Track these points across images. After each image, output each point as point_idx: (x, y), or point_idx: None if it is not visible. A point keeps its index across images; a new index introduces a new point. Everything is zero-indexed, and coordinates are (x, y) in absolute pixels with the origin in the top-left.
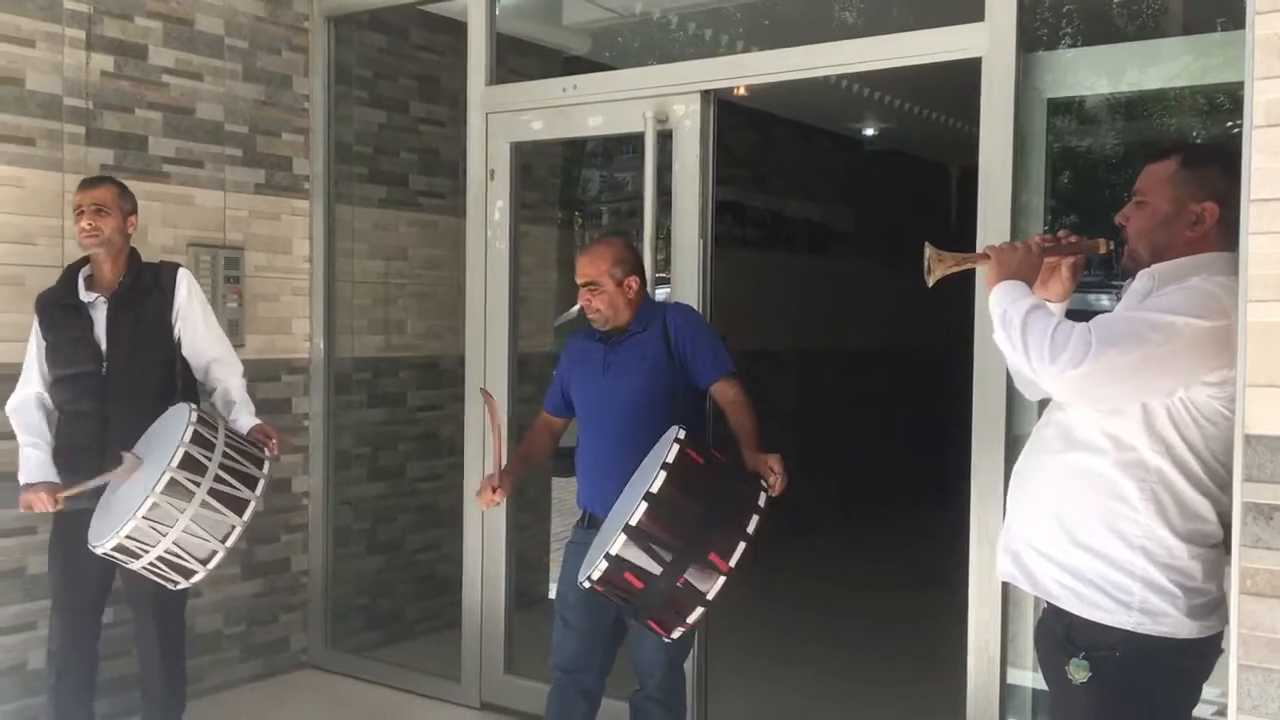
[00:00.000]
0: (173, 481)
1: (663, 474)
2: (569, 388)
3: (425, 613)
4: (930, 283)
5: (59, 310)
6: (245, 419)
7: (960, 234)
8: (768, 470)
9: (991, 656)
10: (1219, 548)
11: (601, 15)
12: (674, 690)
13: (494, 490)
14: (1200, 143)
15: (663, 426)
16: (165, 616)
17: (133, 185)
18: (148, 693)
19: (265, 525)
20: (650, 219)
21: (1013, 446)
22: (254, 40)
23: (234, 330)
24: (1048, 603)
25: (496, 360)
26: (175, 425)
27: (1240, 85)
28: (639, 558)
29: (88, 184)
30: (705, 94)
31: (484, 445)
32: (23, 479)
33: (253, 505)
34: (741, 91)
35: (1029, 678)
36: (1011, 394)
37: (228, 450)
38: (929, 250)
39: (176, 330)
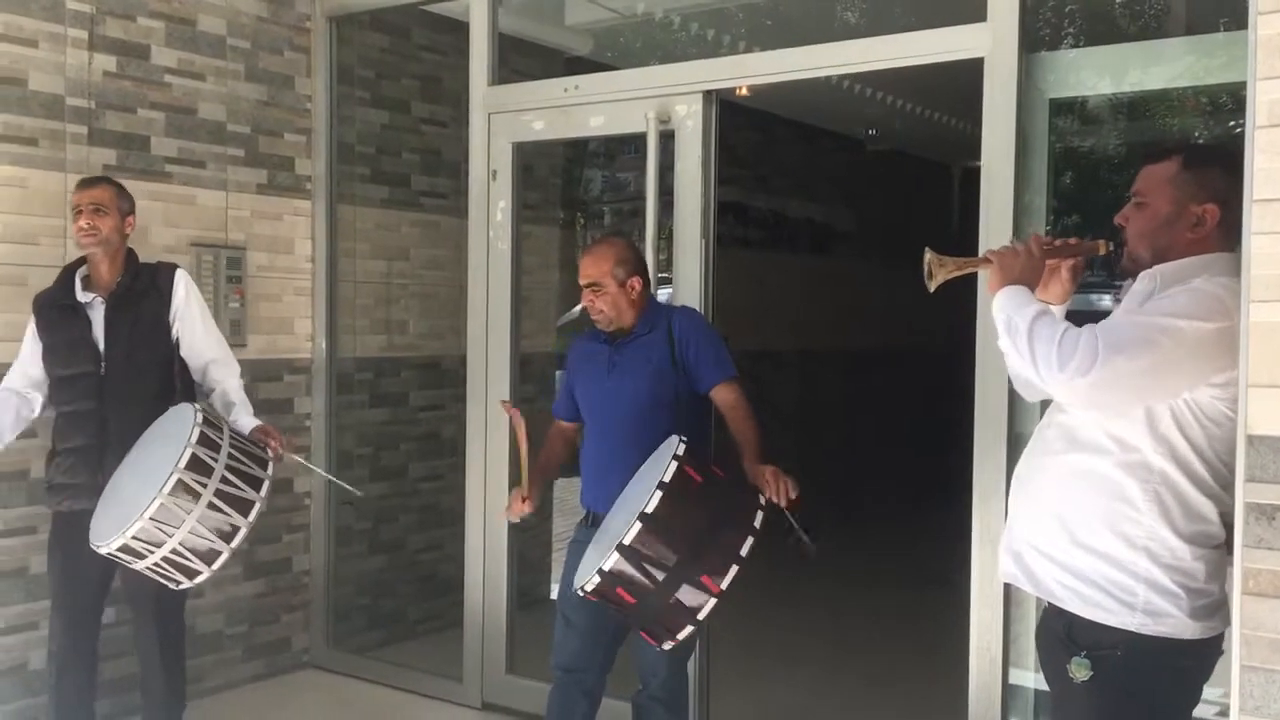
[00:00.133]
0: (180, 482)
1: (659, 494)
2: (576, 389)
3: (427, 613)
4: (931, 288)
5: (56, 311)
6: (245, 419)
7: (962, 234)
8: (763, 483)
9: (993, 656)
10: (1221, 548)
11: (603, 15)
12: (676, 690)
13: (523, 500)
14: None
15: (666, 428)
16: (165, 616)
17: (135, 185)
18: (148, 692)
19: (267, 525)
20: (652, 219)
21: (1014, 446)
22: (256, 40)
23: (236, 330)
24: (1049, 602)
25: (498, 360)
26: (179, 426)
27: (1243, 85)
28: (632, 575)
29: (86, 184)
30: (707, 94)
31: (485, 446)
32: None
33: (258, 506)
34: (743, 92)
35: (1031, 678)
36: (1013, 394)
37: (233, 451)
38: (929, 255)
39: (174, 331)
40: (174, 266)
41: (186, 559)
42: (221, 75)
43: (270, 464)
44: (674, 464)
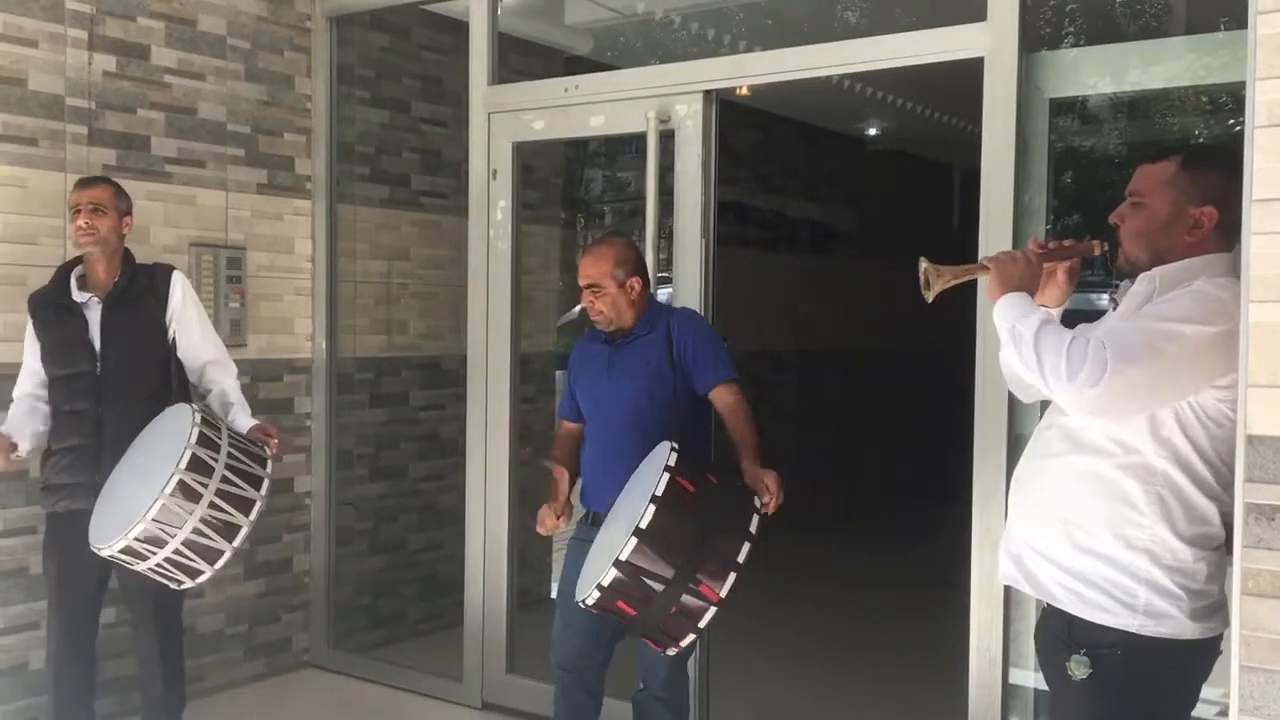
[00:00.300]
0: (181, 483)
1: (652, 508)
2: (576, 389)
3: (427, 612)
4: (929, 298)
5: (52, 311)
6: (243, 419)
7: (963, 233)
8: (764, 488)
9: (993, 656)
10: (1221, 549)
11: (603, 15)
12: (678, 689)
13: (559, 517)
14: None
15: (665, 428)
16: (163, 616)
17: (135, 185)
18: (147, 692)
19: (267, 525)
20: (652, 219)
21: (1014, 446)
22: (256, 40)
23: (236, 330)
24: (1046, 603)
25: (498, 360)
26: (177, 426)
27: (1243, 85)
28: (630, 588)
29: (84, 183)
30: (707, 94)
31: (485, 445)
32: None
33: (258, 505)
34: (744, 91)
35: (1031, 678)
36: (1013, 394)
37: (232, 451)
38: (925, 265)
39: (171, 332)
40: (170, 268)
41: (188, 559)
42: (221, 75)
43: (269, 462)
44: (666, 476)
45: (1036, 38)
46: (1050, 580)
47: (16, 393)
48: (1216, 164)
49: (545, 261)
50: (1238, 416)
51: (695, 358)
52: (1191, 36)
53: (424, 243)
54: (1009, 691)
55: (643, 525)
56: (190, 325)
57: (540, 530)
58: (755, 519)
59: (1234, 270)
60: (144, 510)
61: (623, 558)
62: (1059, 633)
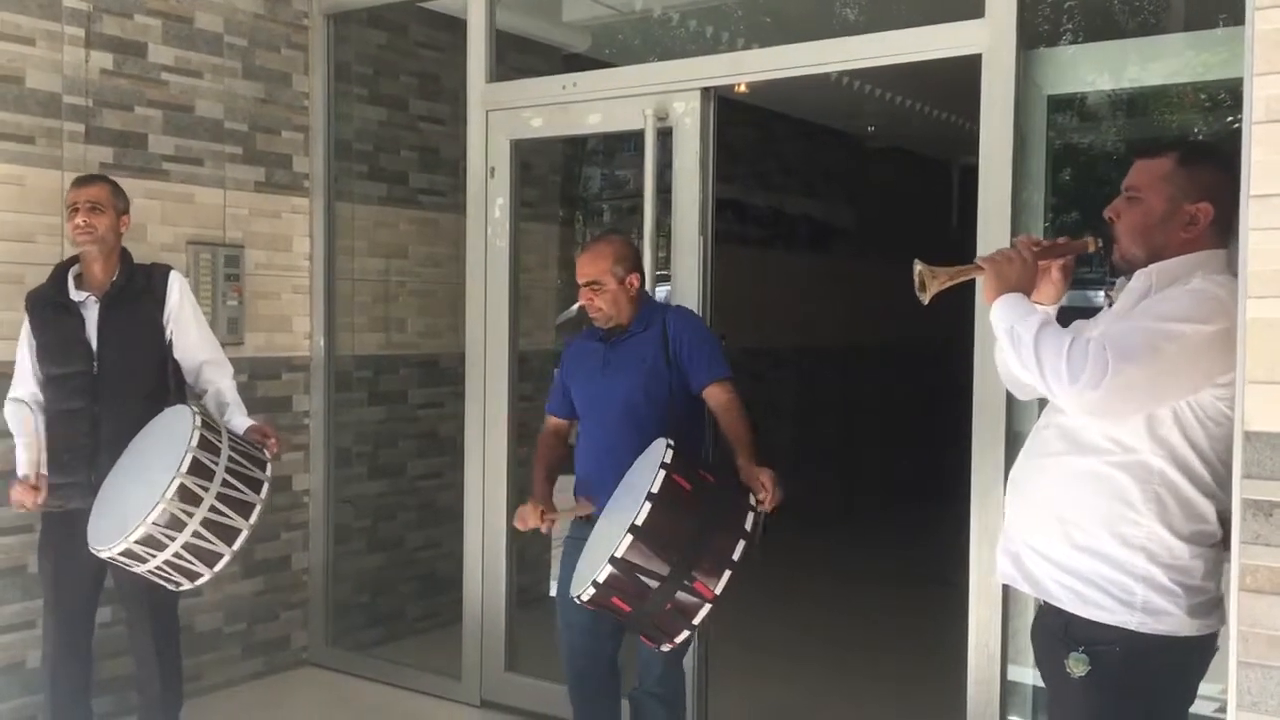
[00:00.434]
0: (182, 487)
1: (648, 505)
2: (571, 387)
3: (426, 610)
4: (925, 300)
5: (49, 310)
6: (239, 420)
7: (961, 231)
8: (759, 486)
9: (992, 654)
10: (1218, 546)
11: (601, 12)
12: (674, 686)
13: (542, 516)
14: (1195, 141)
15: (660, 426)
16: (159, 615)
17: (132, 183)
18: (144, 691)
19: (266, 523)
20: (650, 216)
21: (1012, 444)
22: (253, 38)
23: (234, 328)
24: (1044, 601)
25: (497, 358)
26: (177, 428)
27: (1242, 81)
28: (626, 584)
29: (82, 181)
30: (705, 91)
31: (484, 443)
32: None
33: (258, 509)
34: (742, 89)
35: (1029, 675)
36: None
37: (232, 454)
38: (920, 267)
39: (168, 332)
40: (168, 268)
41: (188, 561)
42: (219, 73)
43: (268, 465)
44: (662, 473)
45: (1035, 34)
46: (1048, 579)
47: (14, 395)
48: (1213, 160)
49: (543, 259)
50: (1235, 413)
51: (691, 356)
52: (1190, 33)
53: (422, 240)
54: (1007, 689)
55: (639, 522)
56: (187, 325)
57: (518, 525)
58: (751, 517)
59: (1231, 267)
60: (144, 514)
61: (618, 554)
62: (1056, 631)
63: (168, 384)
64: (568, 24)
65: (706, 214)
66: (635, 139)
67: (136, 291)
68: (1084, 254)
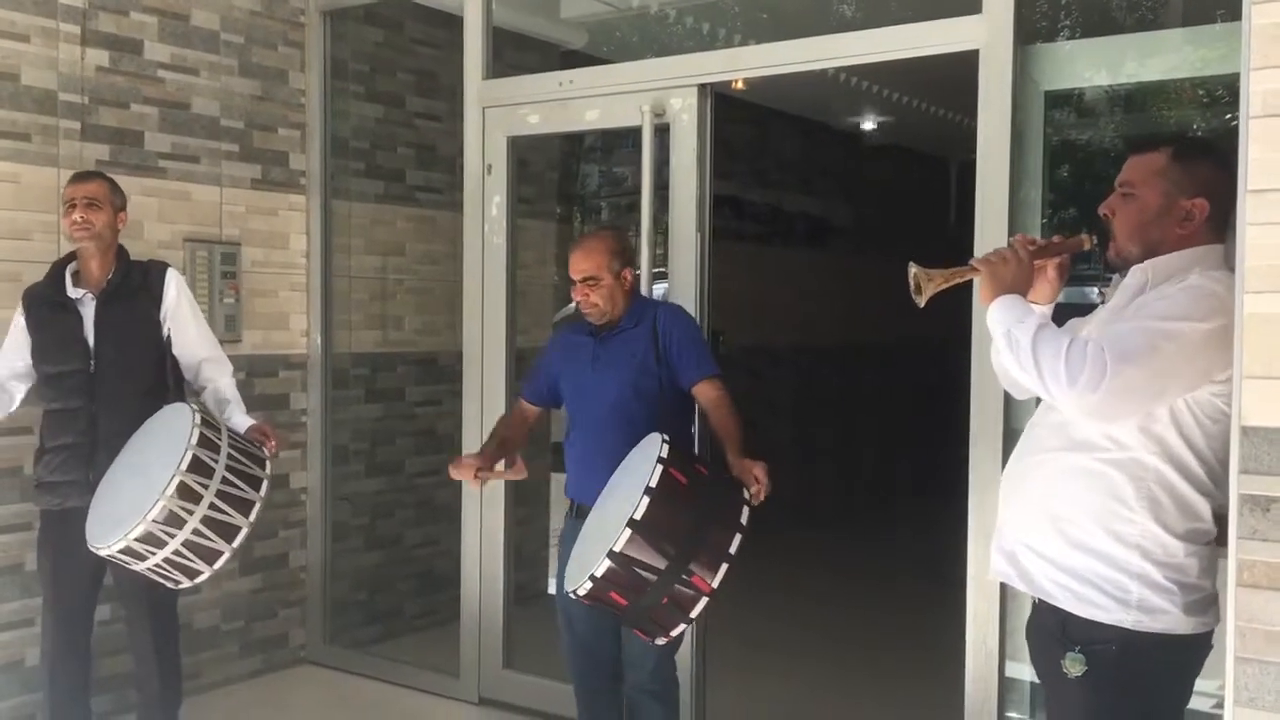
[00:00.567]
0: (181, 484)
1: (646, 499)
2: (558, 380)
3: (424, 608)
4: (921, 303)
5: (46, 308)
6: (239, 418)
7: (959, 227)
8: (751, 479)
9: (990, 650)
10: (1212, 544)
11: (599, 9)
12: (667, 681)
13: (475, 473)
14: (1190, 136)
15: (650, 421)
16: (158, 613)
17: (128, 181)
18: (143, 689)
19: (263, 521)
20: (647, 213)
21: (1010, 441)
22: (250, 35)
23: (231, 326)
24: (1039, 599)
25: (494, 355)
26: (177, 426)
27: (1239, 77)
28: (623, 578)
29: (79, 178)
30: (702, 88)
31: (481, 438)
32: None
33: (258, 506)
34: (739, 85)
35: (1027, 672)
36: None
37: (232, 452)
38: (915, 269)
39: (166, 329)
40: (165, 265)
41: (187, 559)
42: (215, 70)
43: (268, 463)
44: (659, 468)
45: (1032, 30)
46: (1044, 577)
47: None
48: (1208, 155)
49: (541, 256)
50: (1232, 408)
51: (680, 353)
52: (1188, 28)
53: (419, 238)
54: (1005, 685)
55: (637, 516)
56: (185, 323)
57: (451, 470)
58: (745, 510)
59: (1228, 262)
60: (144, 511)
61: (617, 548)
62: (1053, 630)
63: (166, 382)
64: (565, 21)
65: (704, 211)
66: (633, 136)
67: (133, 289)
68: (1080, 252)
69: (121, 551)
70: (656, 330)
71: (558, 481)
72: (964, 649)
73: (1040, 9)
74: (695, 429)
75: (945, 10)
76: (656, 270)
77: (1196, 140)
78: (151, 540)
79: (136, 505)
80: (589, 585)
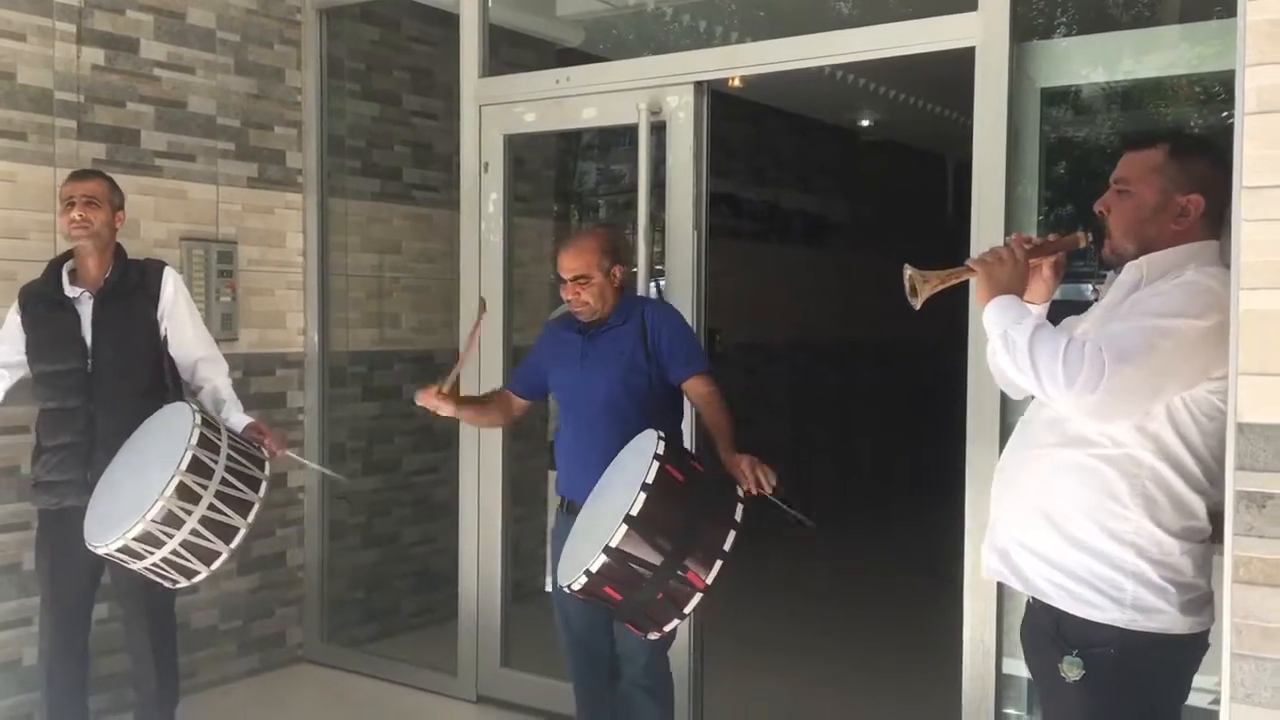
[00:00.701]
0: (181, 485)
1: (643, 495)
2: (546, 375)
3: (421, 606)
4: (916, 305)
5: (43, 306)
6: (237, 417)
7: (956, 224)
8: (742, 475)
9: (987, 647)
10: (1207, 543)
11: (595, 7)
12: (660, 677)
13: (441, 398)
14: (1185, 132)
15: (640, 418)
16: (156, 612)
17: (125, 179)
18: (140, 688)
19: (261, 520)
20: (644, 211)
21: (1007, 437)
22: (246, 33)
23: (227, 324)
24: (1034, 599)
25: (491, 353)
26: (176, 426)
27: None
28: (617, 574)
29: (78, 176)
30: (698, 85)
31: (479, 436)
32: None
33: (256, 507)
34: (736, 83)
35: (1024, 668)
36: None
37: (231, 452)
38: (910, 271)
39: (163, 329)
40: (162, 264)
41: (185, 559)
42: (211, 68)
43: (266, 464)
44: (656, 464)
45: (1028, 27)
46: (1037, 575)
47: None
48: (1203, 151)
49: (538, 254)
50: (1228, 405)
51: (669, 349)
52: (1184, 25)
53: (416, 236)
54: (1002, 681)
55: (633, 513)
56: (182, 322)
57: (418, 397)
58: (739, 507)
59: (1223, 259)
60: (144, 511)
61: (613, 544)
62: (1048, 631)
63: (164, 381)
64: (561, 18)
65: (701, 208)
66: (630, 133)
67: (130, 288)
68: (1076, 249)
69: (120, 551)
70: (645, 327)
71: (555, 480)
72: (961, 646)
73: (1036, 6)
74: (687, 425)
75: (941, 7)
76: (654, 268)
77: (1192, 136)
78: (150, 540)
79: (135, 504)
80: (584, 580)
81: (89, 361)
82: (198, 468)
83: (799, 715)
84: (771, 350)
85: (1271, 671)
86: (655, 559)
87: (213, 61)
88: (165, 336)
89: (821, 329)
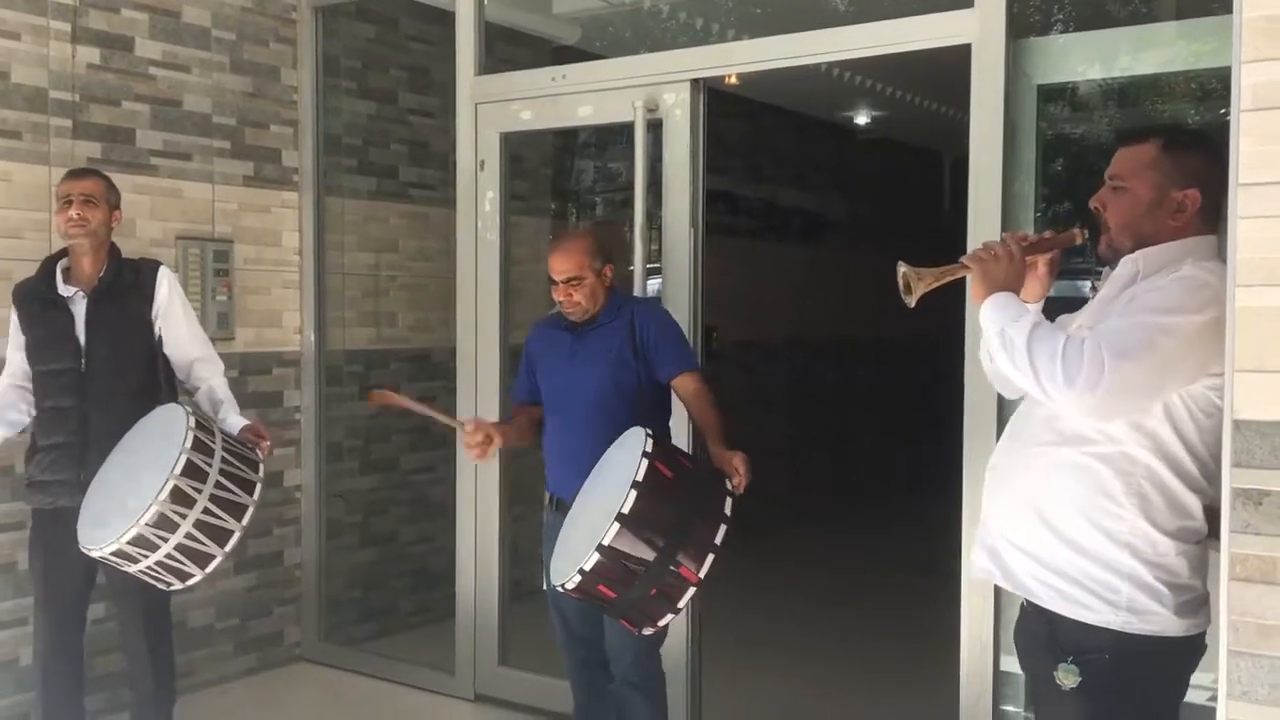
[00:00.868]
0: (175, 489)
1: (633, 493)
2: (538, 375)
3: (419, 605)
4: (911, 303)
5: (37, 305)
6: (233, 418)
7: (953, 222)
8: (732, 470)
9: (985, 644)
10: (1203, 544)
11: (592, 4)
12: (650, 676)
13: (487, 439)
14: (1179, 126)
15: (628, 416)
16: (151, 611)
17: (120, 178)
18: (137, 688)
19: (258, 519)
20: (641, 208)
21: None
22: (241, 32)
23: (224, 323)
24: (1028, 601)
25: (488, 352)
26: (170, 429)
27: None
28: (611, 572)
29: (76, 174)
30: (695, 82)
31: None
32: None
33: (250, 510)
34: (732, 80)
35: None
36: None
37: (226, 455)
38: (904, 269)
39: (157, 328)
40: (157, 263)
41: (180, 562)
42: (207, 67)
43: (261, 466)
44: (645, 462)
45: (1024, 24)
46: (1028, 575)
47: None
48: (1198, 145)
49: (534, 253)
50: (1225, 402)
51: (658, 347)
52: (1181, 21)
53: (412, 234)
54: (1000, 679)
55: (624, 510)
56: (176, 322)
57: (466, 432)
58: (729, 501)
59: (1220, 254)
60: (137, 515)
61: (605, 542)
62: (1042, 638)
63: (158, 381)
64: (558, 16)
65: (697, 206)
66: (626, 131)
67: (125, 287)
68: (1072, 246)
69: (114, 554)
70: (634, 325)
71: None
72: (958, 643)
73: (1033, 2)
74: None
75: (938, 4)
76: (650, 266)
77: (1186, 130)
78: (144, 543)
79: (129, 508)
80: (578, 579)
81: (83, 361)
82: (192, 471)
83: (797, 714)
84: (768, 348)
85: (1268, 668)
86: (648, 555)
87: (208, 60)
88: (159, 336)
89: (818, 326)
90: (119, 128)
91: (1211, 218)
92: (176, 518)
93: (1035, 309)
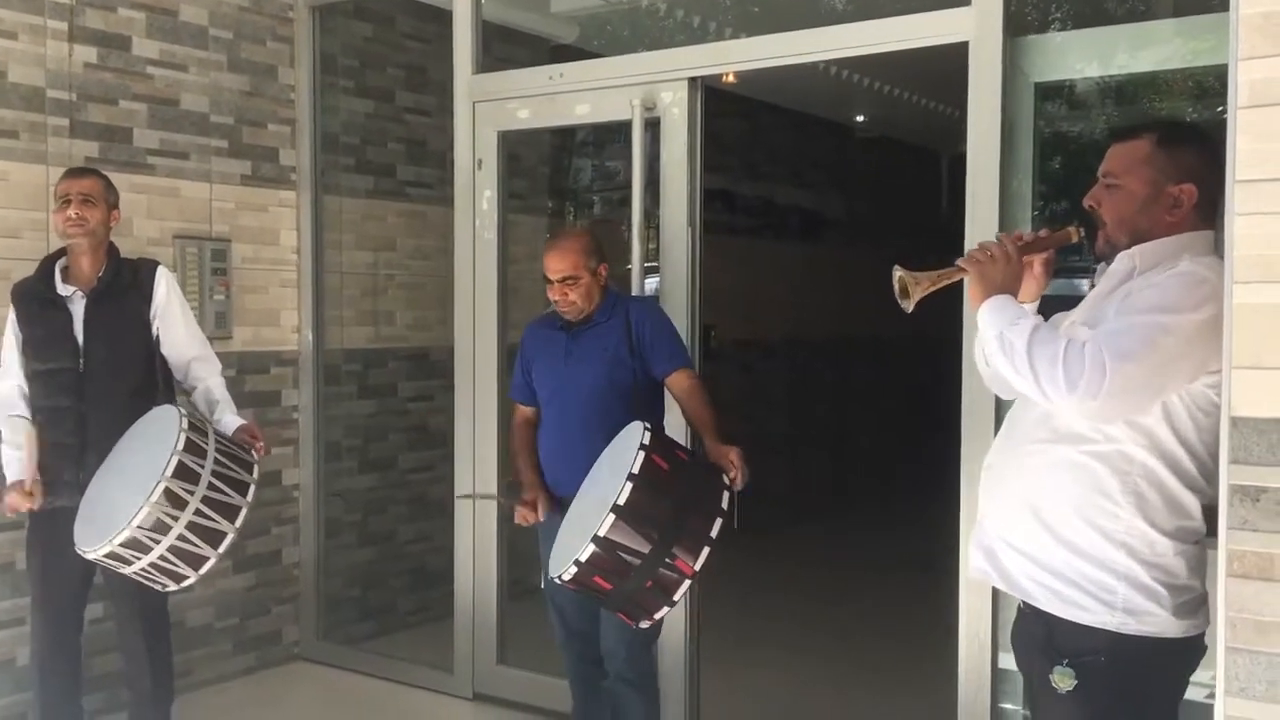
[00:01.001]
0: (167, 490)
1: (629, 485)
2: (533, 374)
3: (417, 604)
4: (908, 308)
5: (36, 304)
6: (229, 418)
7: (951, 220)
8: (729, 464)
9: (982, 642)
10: (1201, 544)
11: (589, 3)
12: (644, 674)
13: (535, 509)
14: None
15: (624, 414)
16: (149, 611)
17: (118, 177)
18: (134, 688)
19: (256, 518)
20: (638, 207)
21: None
22: (238, 30)
23: (221, 322)
24: (1025, 602)
25: (485, 350)
26: (164, 430)
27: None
28: (607, 563)
29: (75, 174)
30: (692, 81)
31: (474, 436)
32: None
33: (244, 512)
34: (730, 79)
35: None
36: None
37: (219, 456)
38: (901, 273)
39: (155, 328)
40: (155, 263)
41: (173, 564)
42: (204, 66)
43: (255, 467)
44: (641, 454)
45: (1022, 21)
46: (1024, 576)
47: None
48: (1193, 140)
49: (532, 251)
50: (1222, 399)
51: (653, 344)
52: (1179, 19)
53: (410, 233)
54: (998, 677)
55: (620, 502)
56: (174, 322)
57: (522, 522)
58: (725, 495)
59: (1217, 249)
60: (129, 517)
61: (601, 533)
62: (1039, 640)
63: (156, 381)
64: (555, 15)
65: (695, 205)
66: (624, 130)
67: (123, 287)
68: (1068, 245)
69: (107, 556)
70: (629, 323)
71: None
72: (956, 641)
73: (1030, 0)
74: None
75: (935, 2)
76: (648, 265)
77: (1180, 125)
78: (137, 546)
79: (122, 510)
80: (573, 570)
81: (81, 361)
82: (184, 473)
83: (795, 712)
84: (766, 346)
85: (1266, 665)
86: (644, 547)
87: (205, 59)
88: (157, 336)
89: (816, 325)
90: (116, 127)
91: (1208, 213)
92: (169, 519)
93: (1031, 309)
